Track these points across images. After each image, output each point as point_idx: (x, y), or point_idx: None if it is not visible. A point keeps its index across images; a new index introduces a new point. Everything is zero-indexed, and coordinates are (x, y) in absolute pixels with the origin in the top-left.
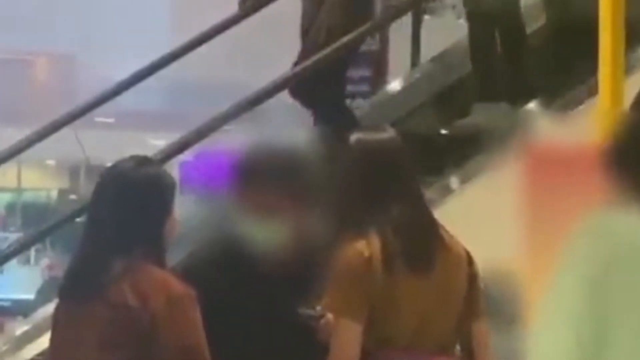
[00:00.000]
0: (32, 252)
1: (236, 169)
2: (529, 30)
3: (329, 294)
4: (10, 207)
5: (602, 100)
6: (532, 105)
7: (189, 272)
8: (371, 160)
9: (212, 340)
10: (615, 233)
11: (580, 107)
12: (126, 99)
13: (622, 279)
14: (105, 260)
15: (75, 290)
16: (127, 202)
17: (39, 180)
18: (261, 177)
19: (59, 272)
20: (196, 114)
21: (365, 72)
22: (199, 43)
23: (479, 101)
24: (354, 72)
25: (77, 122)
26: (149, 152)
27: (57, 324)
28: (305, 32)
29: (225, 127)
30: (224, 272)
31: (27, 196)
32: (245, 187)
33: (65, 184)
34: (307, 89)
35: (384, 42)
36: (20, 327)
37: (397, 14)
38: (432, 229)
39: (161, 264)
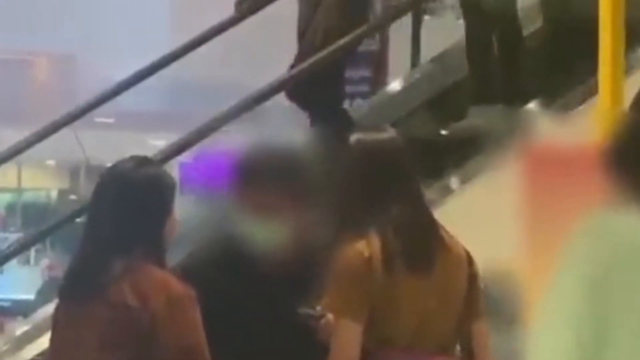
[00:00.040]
0: (32, 252)
1: (236, 169)
2: (526, 32)
3: (329, 294)
4: (10, 208)
5: (602, 100)
6: (532, 105)
7: (189, 272)
8: (371, 160)
9: (212, 340)
10: (615, 233)
11: (580, 107)
12: (126, 99)
13: (622, 279)
14: (105, 260)
15: (75, 291)
16: (127, 203)
17: (39, 180)
18: (261, 177)
19: (59, 273)
20: (196, 114)
21: (365, 72)
22: (199, 43)
23: (479, 101)
24: (354, 73)
25: (77, 123)
26: (149, 153)
27: (57, 324)
28: (301, 34)
29: (225, 128)
30: (224, 272)
31: (27, 196)
32: (245, 187)
33: (65, 184)
34: (303, 91)
35: (384, 43)
36: (20, 328)
37: (397, 14)
38: (432, 229)
39: (161, 264)
